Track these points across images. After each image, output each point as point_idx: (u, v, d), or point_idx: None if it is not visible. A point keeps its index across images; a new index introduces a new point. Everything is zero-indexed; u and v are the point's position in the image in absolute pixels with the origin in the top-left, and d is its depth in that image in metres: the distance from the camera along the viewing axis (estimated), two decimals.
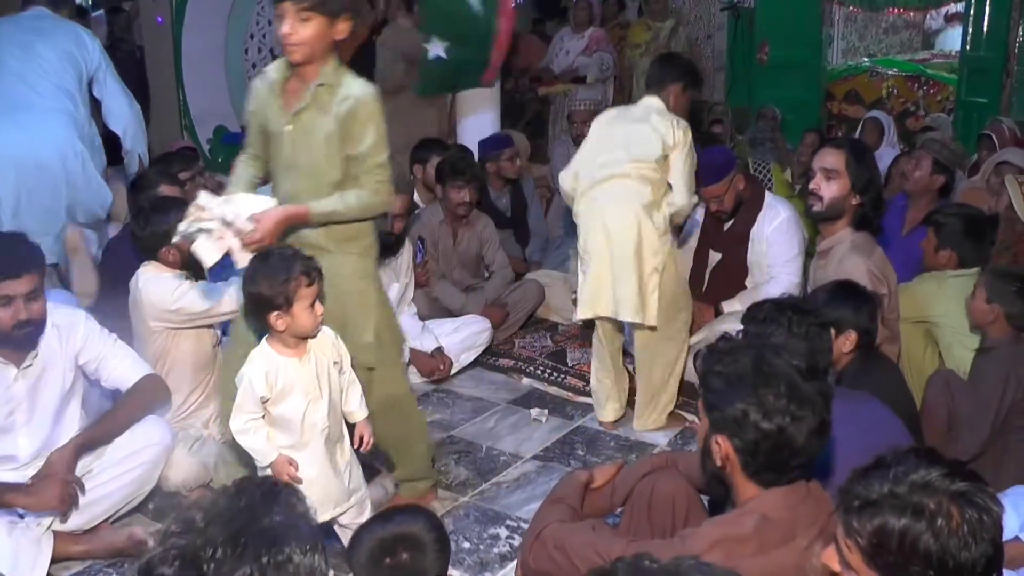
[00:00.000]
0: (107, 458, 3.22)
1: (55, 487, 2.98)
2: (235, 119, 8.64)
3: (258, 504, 1.46)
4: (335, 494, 2.89)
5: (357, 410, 2.97)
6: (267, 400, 2.74)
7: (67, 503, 3.02)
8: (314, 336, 2.82)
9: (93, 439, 3.18)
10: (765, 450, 1.91)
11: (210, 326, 3.74)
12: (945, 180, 4.71)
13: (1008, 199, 4.17)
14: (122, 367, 3.32)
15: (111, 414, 3.28)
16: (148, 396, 3.34)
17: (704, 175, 4.43)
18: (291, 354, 2.78)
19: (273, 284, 2.67)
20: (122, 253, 4.11)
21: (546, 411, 4.38)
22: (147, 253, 3.67)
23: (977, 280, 3.49)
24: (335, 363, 2.89)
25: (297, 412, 2.77)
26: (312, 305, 2.72)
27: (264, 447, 2.76)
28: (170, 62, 8.11)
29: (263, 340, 2.82)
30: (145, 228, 3.63)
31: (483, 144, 5.87)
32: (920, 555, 1.53)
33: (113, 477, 3.21)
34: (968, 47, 8.47)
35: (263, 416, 2.77)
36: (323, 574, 1.46)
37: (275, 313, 2.69)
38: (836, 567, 1.68)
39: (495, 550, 3.26)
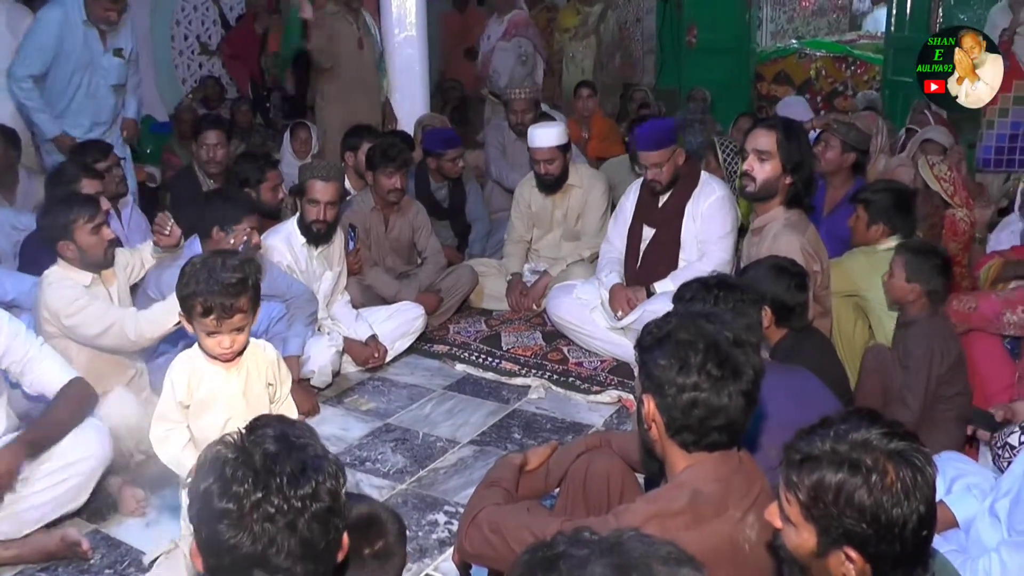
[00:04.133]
0: (44, 468, 3.07)
1: None
2: (162, 108, 8.49)
3: (292, 433, 1.54)
4: None
5: None
6: (187, 407, 2.65)
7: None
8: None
9: (35, 442, 3.03)
10: (682, 406, 1.91)
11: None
12: (856, 157, 4.78)
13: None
14: (48, 371, 3.17)
15: (49, 418, 3.13)
16: (80, 401, 3.19)
17: (646, 142, 4.51)
18: (219, 364, 2.69)
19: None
20: (35, 247, 4.01)
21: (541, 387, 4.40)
22: (46, 244, 3.54)
23: (893, 259, 3.50)
24: (269, 384, 2.80)
25: (215, 428, 2.61)
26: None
27: (183, 458, 2.66)
28: None
29: (193, 346, 2.73)
30: (46, 218, 3.50)
31: (430, 138, 5.81)
32: (855, 508, 1.56)
33: (49, 487, 3.07)
34: (893, 28, 8.62)
35: (186, 426, 2.68)
36: (346, 499, 1.53)
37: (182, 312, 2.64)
38: (777, 523, 1.71)
39: (433, 536, 3.23)
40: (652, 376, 1.96)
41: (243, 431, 1.54)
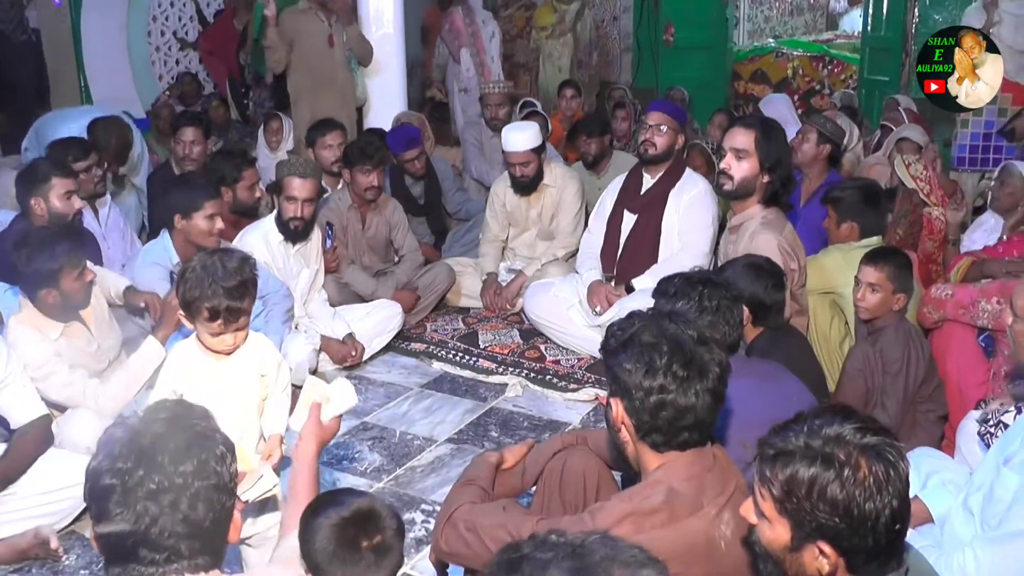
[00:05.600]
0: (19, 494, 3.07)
1: None
2: (139, 105, 8.42)
3: (183, 415, 1.60)
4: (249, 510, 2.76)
5: (270, 425, 2.83)
6: (181, 395, 2.63)
7: None
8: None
9: None
10: (649, 409, 1.91)
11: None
12: (831, 149, 4.82)
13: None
14: (15, 401, 3.12)
15: (7, 457, 3.10)
16: (36, 444, 3.14)
17: (659, 104, 4.84)
18: (211, 355, 2.70)
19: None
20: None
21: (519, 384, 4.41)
22: (26, 291, 3.35)
23: (871, 277, 3.40)
24: (261, 375, 2.80)
25: None
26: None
27: None
28: (69, 46, 7.85)
29: (191, 336, 2.74)
30: (29, 264, 3.25)
31: (391, 139, 5.79)
32: (827, 502, 1.57)
33: (34, 505, 3.08)
34: (869, 28, 8.70)
35: None
36: (235, 473, 1.60)
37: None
38: (752, 518, 1.72)
39: (411, 535, 3.22)
40: (618, 380, 1.96)
41: (139, 412, 1.61)
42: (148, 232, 5.45)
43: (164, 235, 4.02)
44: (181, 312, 2.68)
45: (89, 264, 3.50)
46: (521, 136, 5.21)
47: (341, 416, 2.42)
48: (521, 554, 1.29)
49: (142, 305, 3.81)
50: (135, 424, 1.55)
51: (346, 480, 3.59)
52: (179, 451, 1.50)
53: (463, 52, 8.13)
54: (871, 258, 3.45)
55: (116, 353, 3.71)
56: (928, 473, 2.80)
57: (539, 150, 5.26)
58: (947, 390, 3.54)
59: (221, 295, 2.59)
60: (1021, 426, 2.38)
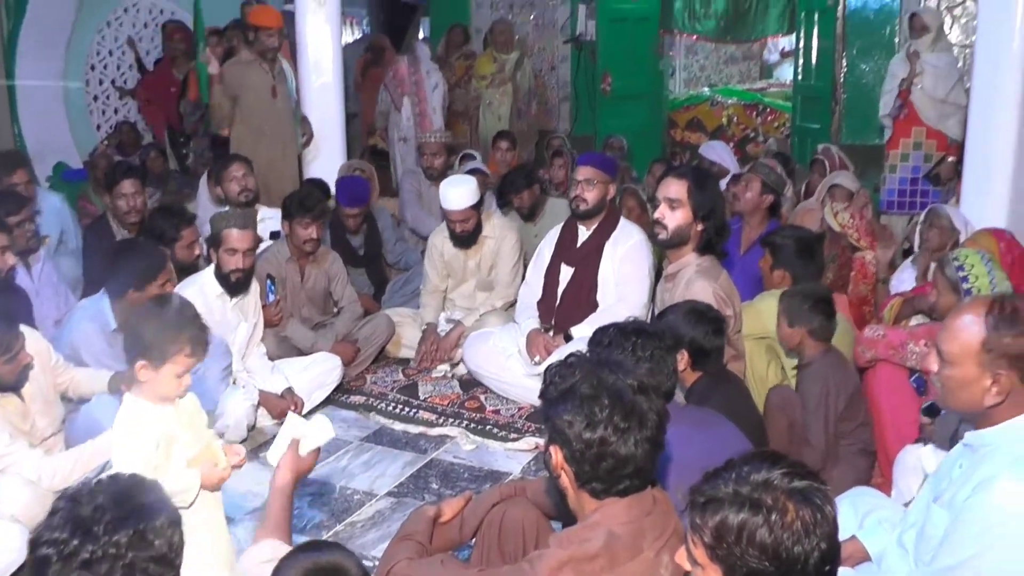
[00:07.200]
0: None
1: None
2: (76, 154, 8.28)
3: (132, 487, 1.68)
4: (228, 557, 2.79)
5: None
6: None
7: None
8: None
9: None
10: (590, 459, 1.93)
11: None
12: (773, 199, 4.92)
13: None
14: None
15: None
16: None
17: (587, 158, 4.83)
18: (167, 405, 2.71)
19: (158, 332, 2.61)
20: None
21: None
22: None
23: (778, 309, 3.65)
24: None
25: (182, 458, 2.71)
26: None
27: (184, 477, 2.67)
28: (3, 93, 7.69)
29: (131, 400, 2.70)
30: None
31: (338, 192, 5.81)
32: (756, 547, 1.59)
33: None
34: (800, 77, 8.92)
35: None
36: (181, 546, 1.66)
37: (142, 362, 2.61)
38: (686, 565, 1.73)
39: None
40: (558, 430, 1.97)
41: (88, 483, 1.68)
42: (84, 285, 5.34)
43: (103, 297, 3.95)
44: (144, 368, 2.63)
45: (62, 360, 3.59)
46: (459, 193, 5.18)
47: (319, 450, 2.48)
48: None
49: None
50: (77, 496, 1.61)
51: None
52: (115, 522, 1.56)
53: (404, 101, 8.18)
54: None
55: (53, 431, 3.60)
56: (864, 512, 2.83)
57: (477, 206, 5.27)
58: (881, 427, 3.62)
59: (197, 326, 2.68)
60: (950, 465, 2.42)
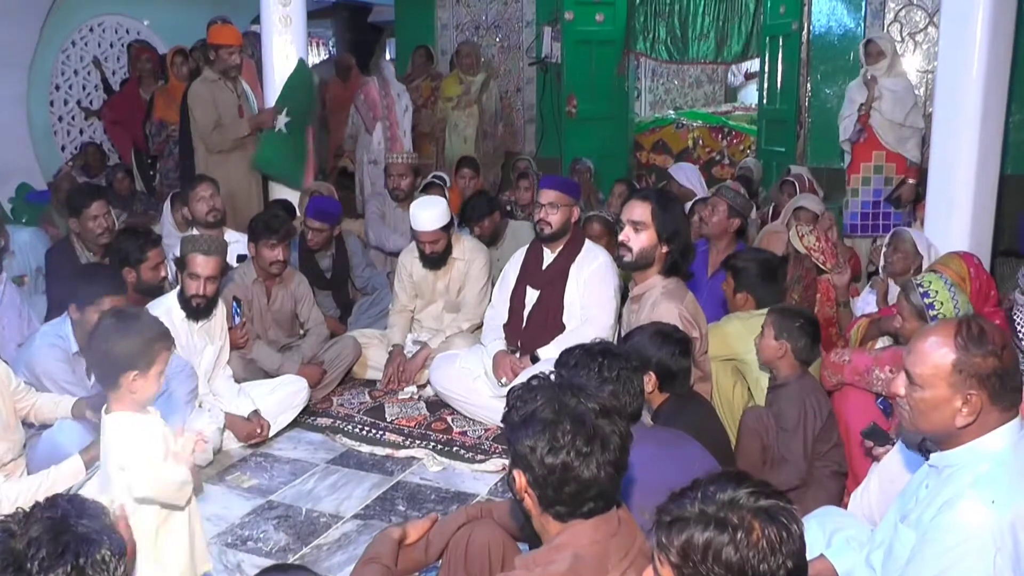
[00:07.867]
0: None
1: None
2: (40, 176, 8.20)
3: (72, 514, 1.63)
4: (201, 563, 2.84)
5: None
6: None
7: None
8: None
9: None
10: (553, 484, 1.93)
11: None
12: (740, 223, 4.96)
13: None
14: None
15: None
16: None
17: (550, 181, 4.80)
18: (144, 415, 2.75)
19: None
20: None
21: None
22: None
23: (765, 320, 3.66)
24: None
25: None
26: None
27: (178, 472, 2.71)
28: None
29: (108, 413, 2.72)
30: None
31: (313, 203, 5.82)
32: (723, 565, 1.59)
33: None
34: (765, 100, 9.00)
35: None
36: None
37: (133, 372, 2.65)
38: None
39: None
40: (520, 455, 1.97)
41: (22, 510, 1.63)
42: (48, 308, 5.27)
43: (65, 321, 3.90)
44: (136, 379, 2.67)
45: (23, 384, 3.58)
46: (429, 215, 5.20)
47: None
48: None
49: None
50: (8, 527, 1.56)
51: (251, 561, 3.50)
52: (52, 557, 1.52)
53: (377, 125, 8.16)
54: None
55: (13, 456, 3.55)
56: (832, 531, 2.85)
57: (448, 227, 5.29)
58: (850, 448, 3.63)
59: (157, 321, 2.76)
60: (916, 485, 2.44)
